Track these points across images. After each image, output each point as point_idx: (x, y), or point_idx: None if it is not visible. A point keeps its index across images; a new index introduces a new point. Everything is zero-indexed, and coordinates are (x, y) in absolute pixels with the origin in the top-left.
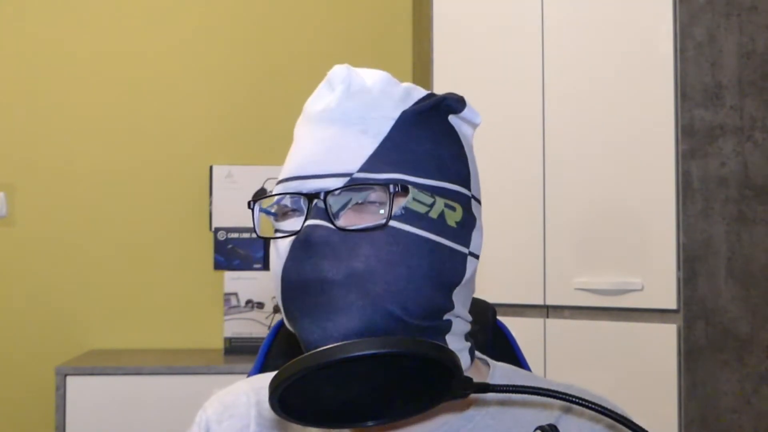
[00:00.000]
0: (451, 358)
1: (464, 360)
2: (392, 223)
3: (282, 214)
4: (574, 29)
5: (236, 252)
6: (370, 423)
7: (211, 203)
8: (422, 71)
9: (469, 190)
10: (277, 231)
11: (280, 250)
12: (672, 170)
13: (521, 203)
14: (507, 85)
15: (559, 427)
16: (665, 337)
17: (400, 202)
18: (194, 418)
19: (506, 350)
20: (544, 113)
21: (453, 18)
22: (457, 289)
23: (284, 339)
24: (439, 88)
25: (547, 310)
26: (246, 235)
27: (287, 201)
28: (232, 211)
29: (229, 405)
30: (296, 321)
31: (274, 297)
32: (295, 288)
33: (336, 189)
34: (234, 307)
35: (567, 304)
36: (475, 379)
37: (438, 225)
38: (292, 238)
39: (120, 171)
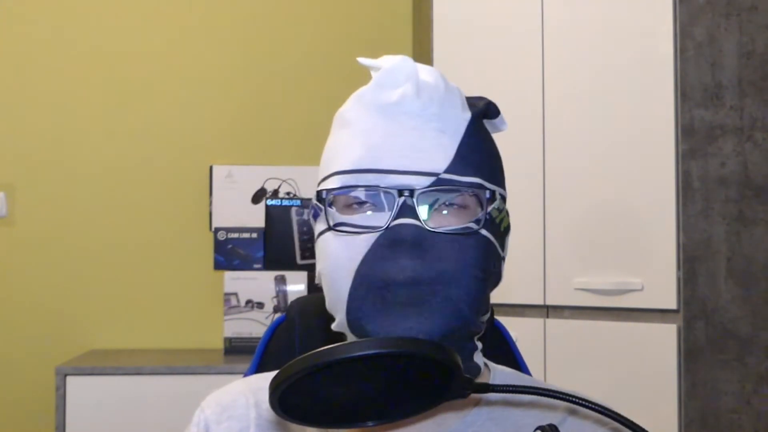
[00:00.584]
0: (452, 359)
1: (480, 361)
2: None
3: (346, 206)
4: (574, 29)
5: (236, 252)
6: (370, 423)
7: (211, 203)
8: None
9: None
10: (340, 224)
11: (352, 245)
12: (672, 170)
13: (521, 203)
14: (507, 85)
15: (563, 430)
16: (665, 337)
17: (486, 209)
18: (191, 418)
19: (504, 350)
20: (544, 113)
21: (453, 18)
22: (490, 292)
23: (281, 339)
24: None
25: (547, 310)
26: (246, 235)
27: (360, 194)
28: (232, 211)
29: (228, 406)
30: (368, 320)
31: (273, 297)
32: (377, 287)
33: (425, 188)
34: (234, 307)
35: (567, 304)
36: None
37: (499, 231)
38: (374, 234)
39: (120, 171)
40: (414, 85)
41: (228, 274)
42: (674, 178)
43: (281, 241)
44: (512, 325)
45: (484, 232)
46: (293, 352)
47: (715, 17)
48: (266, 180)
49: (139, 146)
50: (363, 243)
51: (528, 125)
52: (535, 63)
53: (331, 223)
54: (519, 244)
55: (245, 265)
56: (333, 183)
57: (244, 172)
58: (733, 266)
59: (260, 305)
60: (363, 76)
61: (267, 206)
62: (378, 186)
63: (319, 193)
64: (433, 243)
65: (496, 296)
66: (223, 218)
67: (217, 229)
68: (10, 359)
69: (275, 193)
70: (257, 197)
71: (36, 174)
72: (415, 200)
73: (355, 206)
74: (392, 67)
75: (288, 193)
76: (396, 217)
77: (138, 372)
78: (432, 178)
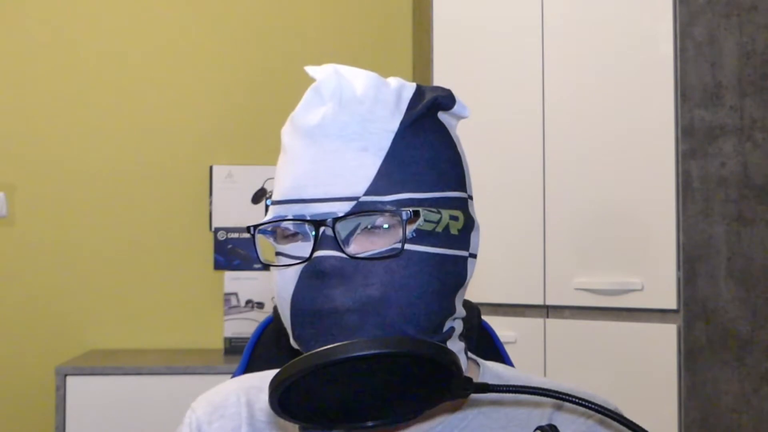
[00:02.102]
0: (451, 359)
1: (462, 360)
2: (405, 246)
3: (283, 237)
4: (574, 29)
5: (236, 252)
6: (369, 423)
7: (211, 203)
8: (422, 71)
9: (465, 191)
10: (279, 254)
11: (286, 276)
12: (672, 170)
13: (521, 203)
14: (507, 85)
15: (553, 423)
16: (665, 337)
17: (411, 226)
18: (182, 418)
19: (491, 350)
20: (544, 113)
21: (453, 18)
22: (459, 291)
23: (268, 339)
24: None
25: (547, 310)
26: (246, 235)
27: (288, 224)
28: (232, 211)
29: (219, 405)
30: (307, 345)
31: (273, 297)
32: (307, 315)
33: (344, 215)
34: (234, 307)
35: (567, 304)
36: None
37: (444, 238)
38: (301, 265)
39: (120, 171)
40: (336, 103)
41: (228, 274)
42: (674, 178)
43: None
44: (512, 325)
45: (413, 247)
46: (281, 353)
47: (715, 17)
48: (266, 180)
49: (139, 146)
50: (293, 274)
51: (528, 125)
52: (535, 63)
53: (264, 256)
54: (519, 244)
55: (245, 265)
56: (269, 214)
57: (244, 172)
58: (733, 266)
59: (260, 305)
60: None
61: (267, 206)
62: (303, 218)
63: (248, 228)
64: (356, 270)
65: (496, 296)
66: (223, 218)
67: (217, 229)
68: (10, 359)
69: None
70: (257, 197)
71: (36, 174)
72: (333, 229)
73: (290, 237)
74: (317, 84)
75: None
76: (316, 249)
77: (138, 372)
78: (352, 203)
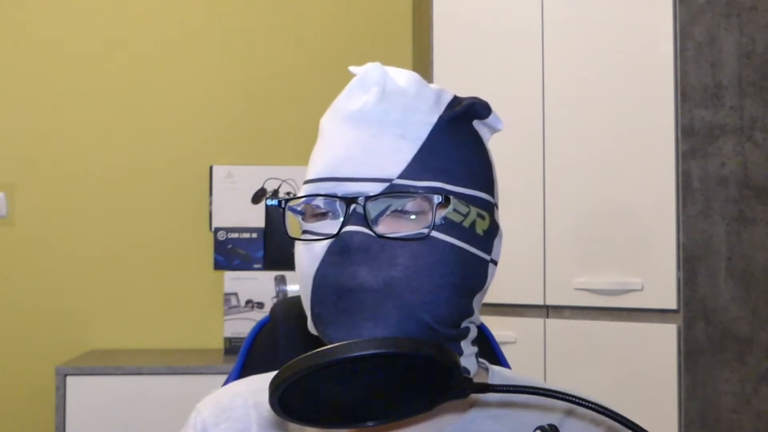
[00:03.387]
0: (451, 358)
1: (471, 365)
2: (432, 233)
3: (312, 215)
4: (574, 29)
5: (236, 252)
6: (370, 423)
7: (211, 203)
8: (422, 71)
9: (493, 197)
10: (306, 232)
11: (312, 252)
12: (672, 170)
13: (521, 203)
14: (507, 84)
15: (561, 430)
16: (665, 337)
17: (440, 212)
18: (187, 420)
19: (487, 351)
20: (544, 113)
21: (453, 18)
22: (478, 295)
23: (264, 340)
24: None
25: (547, 310)
26: (246, 235)
27: (319, 202)
28: (232, 211)
29: (226, 407)
30: (326, 325)
31: (273, 297)
32: (330, 292)
33: (376, 195)
34: (234, 307)
35: (567, 304)
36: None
37: (470, 234)
38: (328, 241)
39: (120, 171)
40: (379, 91)
41: (228, 274)
42: (674, 178)
43: (281, 241)
44: (512, 325)
45: (439, 235)
46: (277, 354)
47: (715, 17)
48: (266, 180)
49: (139, 146)
50: (320, 250)
51: (528, 125)
52: (535, 63)
53: (292, 231)
54: (519, 244)
55: (245, 265)
56: (300, 192)
57: (244, 172)
58: (733, 266)
59: (260, 305)
60: None
61: (267, 206)
62: (335, 195)
63: (279, 202)
64: (383, 249)
65: (496, 296)
66: (223, 218)
67: (217, 229)
68: (10, 359)
69: (275, 193)
70: (257, 197)
71: (36, 174)
72: (363, 207)
73: (320, 215)
74: (361, 75)
75: (288, 193)
76: (345, 225)
77: (138, 372)
78: (385, 185)
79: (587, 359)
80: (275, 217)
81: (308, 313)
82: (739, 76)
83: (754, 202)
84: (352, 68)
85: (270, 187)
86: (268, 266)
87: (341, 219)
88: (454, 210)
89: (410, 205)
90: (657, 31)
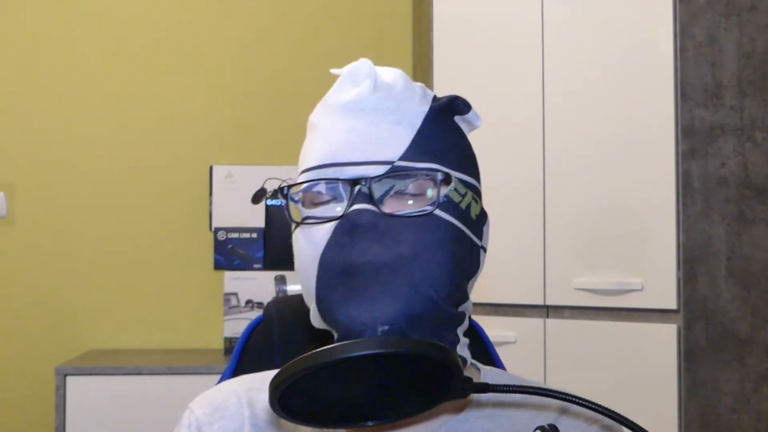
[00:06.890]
0: (452, 358)
1: (465, 354)
2: (435, 211)
3: (313, 203)
4: (574, 29)
5: (236, 252)
6: (370, 423)
7: (211, 203)
8: (422, 71)
9: (479, 185)
10: (307, 218)
11: (316, 236)
12: (672, 170)
13: (521, 203)
14: (507, 84)
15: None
16: (665, 337)
17: (442, 190)
18: (180, 419)
19: (480, 349)
20: (544, 113)
21: (453, 18)
22: (471, 281)
23: (259, 339)
24: (439, 88)
25: (547, 310)
26: (246, 235)
27: (321, 188)
28: (232, 211)
29: (219, 406)
30: (338, 306)
31: (274, 296)
32: (339, 272)
33: (379, 176)
34: (234, 307)
35: (567, 304)
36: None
37: (466, 216)
38: (334, 223)
39: (120, 171)
40: (371, 83)
41: (228, 274)
42: (674, 178)
43: (281, 241)
44: (512, 325)
45: (441, 213)
46: (272, 353)
47: (715, 17)
48: (266, 180)
49: (139, 146)
50: (325, 232)
51: (528, 125)
52: (535, 63)
53: (295, 218)
54: (519, 244)
55: (245, 265)
56: (299, 181)
57: (244, 172)
58: (733, 266)
59: (260, 305)
60: None
61: (267, 206)
62: (337, 179)
63: (281, 189)
64: (390, 226)
65: (496, 296)
66: (223, 218)
67: (217, 229)
68: (10, 359)
69: (275, 193)
70: (257, 197)
71: (36, 174)
72: (369, 187)
73: (319, 203)
74: (351, 70)
75: (288, 180)
76: (352, 204)
77: (138, 372)
78: (387, 166)
79: (587, 359)
80: (275, 216)
81: (312, 300)
82: (739, 76)
83: (754, 202)
84: (333, 70)
85: (270, 187)
86: (268, 266)
87: (345, 202)
88: (455, 189)
89: (412, 186)
90: (657, 31)
